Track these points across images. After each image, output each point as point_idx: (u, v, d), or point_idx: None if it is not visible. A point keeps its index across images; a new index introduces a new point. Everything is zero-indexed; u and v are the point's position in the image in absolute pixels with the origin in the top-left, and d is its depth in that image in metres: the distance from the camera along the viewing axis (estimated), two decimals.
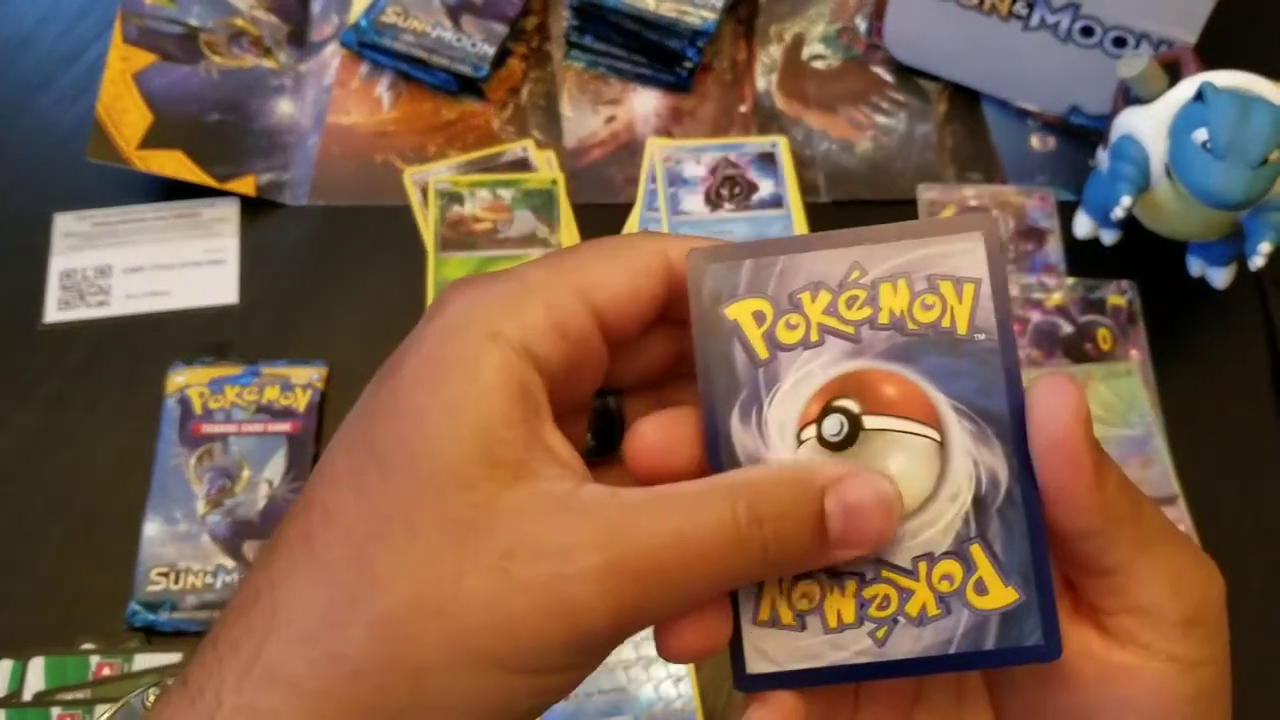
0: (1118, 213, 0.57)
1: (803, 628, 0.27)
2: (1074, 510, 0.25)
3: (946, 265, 0.27)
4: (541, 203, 0.67)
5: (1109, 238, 0.64)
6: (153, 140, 0.65)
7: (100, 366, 0.62)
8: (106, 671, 0.53)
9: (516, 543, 0.23)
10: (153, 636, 0.54)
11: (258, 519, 0.57)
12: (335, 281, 0.65)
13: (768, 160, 0.69)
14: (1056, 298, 0.64)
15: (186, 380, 0.60)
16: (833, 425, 0.27)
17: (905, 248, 0.27)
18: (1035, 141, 0.71)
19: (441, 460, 0.24)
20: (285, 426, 0.59)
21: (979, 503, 0.26)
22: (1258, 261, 0.56)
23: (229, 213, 0.67)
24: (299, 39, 0.73)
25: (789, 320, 0.27)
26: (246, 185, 0.67)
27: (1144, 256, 0.64)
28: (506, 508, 0.24)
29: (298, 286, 0.65)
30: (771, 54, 0.74)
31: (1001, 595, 0.26)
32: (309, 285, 0.65)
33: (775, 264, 0.27)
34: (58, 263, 0.65)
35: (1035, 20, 0.66)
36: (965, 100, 0.72)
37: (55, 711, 0.51)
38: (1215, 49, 0.61)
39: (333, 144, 0.70)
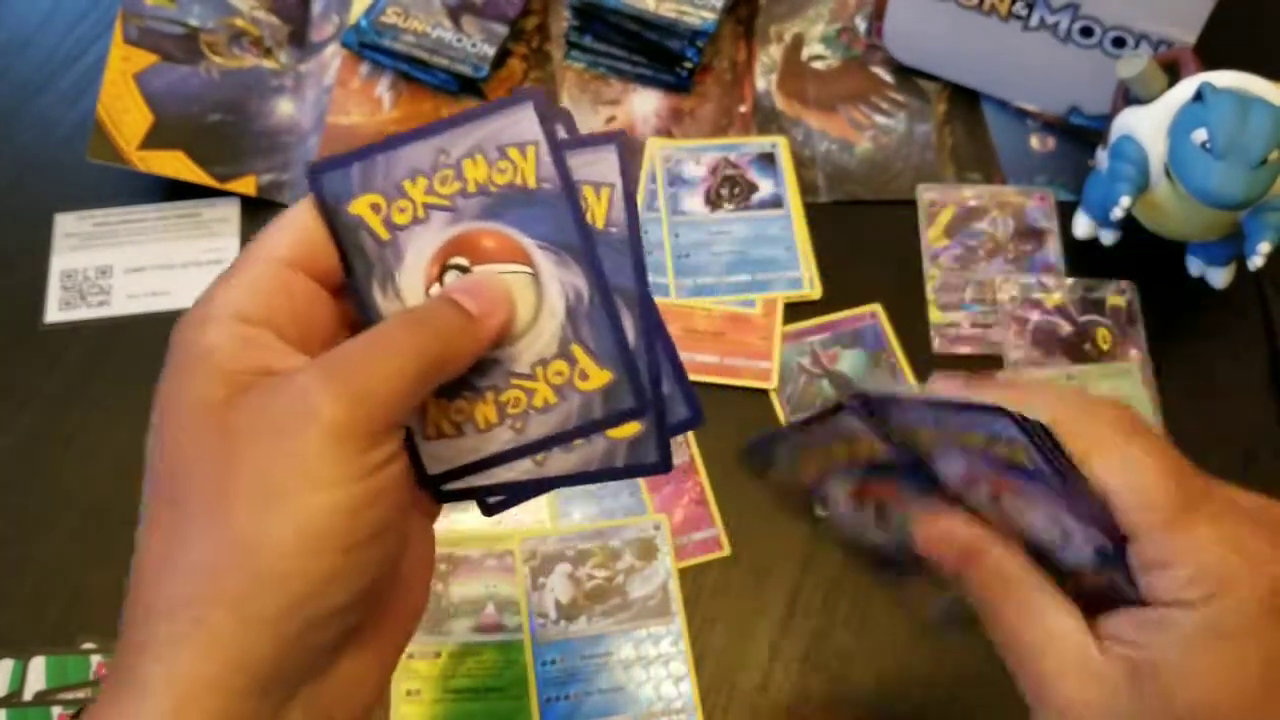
0: (1117, 213, 0.57)
1: (460, 434, 0.34)
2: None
3: (509, 135, 0.33)
4: None
5: (1108, 238, 0.64)
6: (153, 140, 0.66)
7: (101, 366, 0.62)
8: (107, 671, 0.53)
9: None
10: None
11: None
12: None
13: (767, 160, 0.69)
14: (1056, 298, 0.64)
15: None
16: (451, 279, 0.34)
17: (476, 128, 0.33)
18: (1035, 141, 0.71)
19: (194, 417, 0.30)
20: None
21: (570, 313, 0.34)
22: (1257, 261, 0.56)
23: (230, 213, 0.67)
24: (299, 39, 0.73)
25: (399, 205, 0.33)
26: (247, 185, 0.67)
27: (1143, 257, 0.64)
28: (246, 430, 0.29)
29: None
30: (771, 54, 0.74)
31: (599, 376, 0.34)
32: None
33: (378, 163, 0.33)
34: (58, 263, 0.65)
35: (1035, 20, 0.67)
36: (965, 100, 0.72)
37: (56, 711, 0.52)
38: (1214, 49, 0.61)
39: (333, 144, 0.70)
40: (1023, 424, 0.31)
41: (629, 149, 0.34)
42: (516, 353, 0.34)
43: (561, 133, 0.34)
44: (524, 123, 0.34)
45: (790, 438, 0.40)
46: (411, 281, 0.34)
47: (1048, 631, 0.33)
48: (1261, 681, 0.30)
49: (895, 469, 0.36)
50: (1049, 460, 0.32)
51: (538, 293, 0.34)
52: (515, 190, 0.34)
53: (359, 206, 0.33)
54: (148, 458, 0.31)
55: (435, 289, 0.33)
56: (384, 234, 0.33)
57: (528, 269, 0.34)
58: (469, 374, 0.34)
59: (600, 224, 0.34)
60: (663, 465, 0.34)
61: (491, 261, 0.34)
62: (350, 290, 0.33)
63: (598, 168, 0.34)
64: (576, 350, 0.34)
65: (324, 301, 0.33)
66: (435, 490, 0.34)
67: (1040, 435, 0.31)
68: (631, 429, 0.34)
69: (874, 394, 0.35)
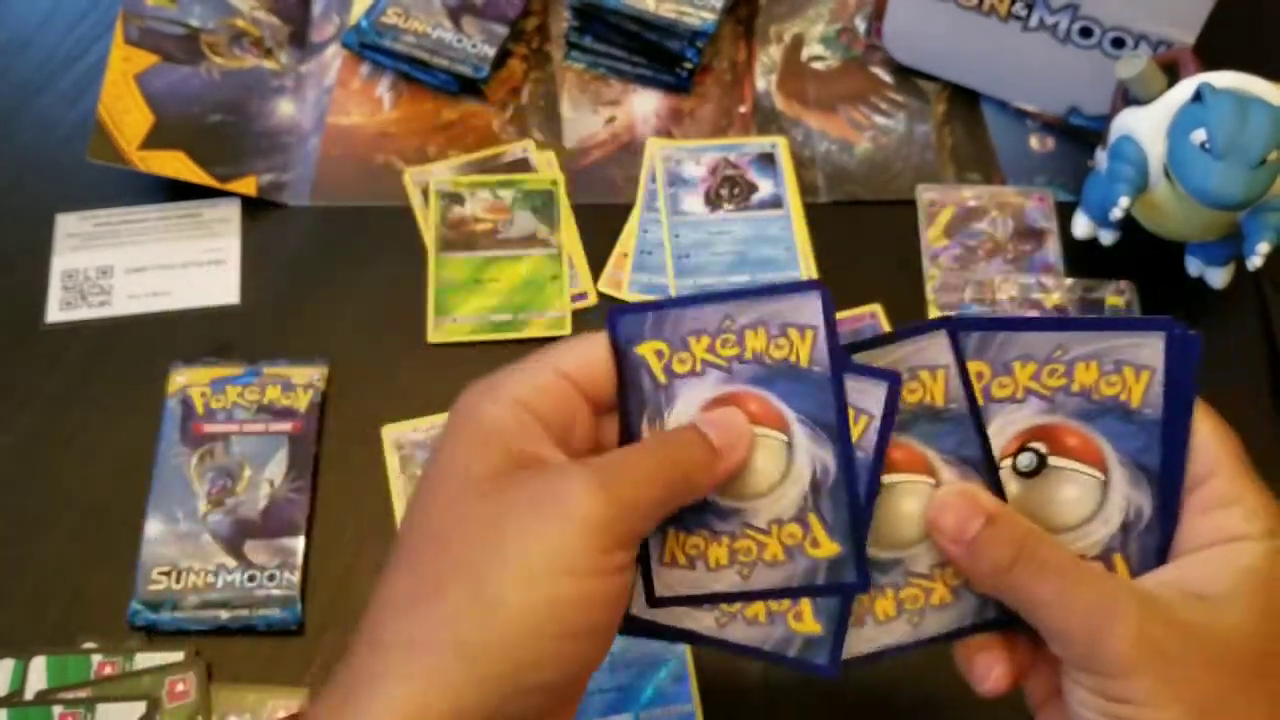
0: (1116, 213, 0.57)
1: (692, 567, 0.37)
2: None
3: (793, 316, 0.36)
4: (542, 203, 0.67)
5: (1108, 238, 0.64)
6: (154, 141, 0.66)
7: (102, 366, 0.62)
8: (108, 671, 0.53)
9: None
10: (154, 636, 0.54)
11: (259, 519, 0.57)
12: (336, 281, 0.65)
13: (767, 160, 0.69)
14: (1055, 298, 0.64)
15: (188, 380, 0.60)
16: None
17: (764, 304, 0.36)
18: (1034, 142, 0.71)
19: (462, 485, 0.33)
20: (286, 426, 0.59)
21: (815, 485, 0.36)
22: (1256, 262, 0.56)
23: (230, 213, 0.67)
24: (300, 40, 0.73)
25: (680, 357, 0.37)
26: (247, 186, 0.67)
27: (1142, 257, 0.64)
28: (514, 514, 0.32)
29: (299, 286, 0.65)
30: (771, 54, 0.74)
31: (829, 548, 0.36)
32: (310, 285, 0.65)
33: (669, 315, 0.37)
34: (59, 263, 0.65)
35: (1034, 21, 0.67)
36: (964, 101, 0.72)
37: (57, 711, 0.52)
38: (1214, 49, 0.61)
39: (333, 145, 0.70)
40: (1184, 341, 0.34)
41: (827, 294, 0.36)
42: (757, 508, 0.37)
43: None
44: (808, 309, 0.36)
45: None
46: (678, 424, 0.37)
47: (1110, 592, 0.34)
48: None
49: (942, 422, 0.37)
50: (1177, 396, 0.35)
51: (788, 459, 0.36)
52: (787, 366, 0.36)
53: (646, 349, 0.37)
54: (415, 508, 0.34)
55: None
56: (662, 378, 0.37)
57: (783, 436, 0.36)
58: (711, 518, 0.37)
59: (805, 363, 0.36)
60: (830, 669, 0.36)
61: (755, 423, 0.36)
62: (622, 417, 0.37)
63: (864, 397, 0.36)
64: (813, 519, 0.36)
65: (587, 418, 0.36)
66: (650, 600, 0.37)
67: (1186, 369, 0.35)
68: (813, 628, 0.37)
69: (977, 318, 0.37)
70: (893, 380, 0.36)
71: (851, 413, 0.36)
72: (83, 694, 0.52)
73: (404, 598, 0.32)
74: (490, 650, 0.31)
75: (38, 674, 0.53)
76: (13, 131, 0.70)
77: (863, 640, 0.37)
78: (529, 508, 0.32)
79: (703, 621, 0.37)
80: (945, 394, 0.36)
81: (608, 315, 0.37)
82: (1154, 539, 0.36)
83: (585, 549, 0.31)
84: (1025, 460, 0.36)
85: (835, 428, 0.36)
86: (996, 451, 0.36)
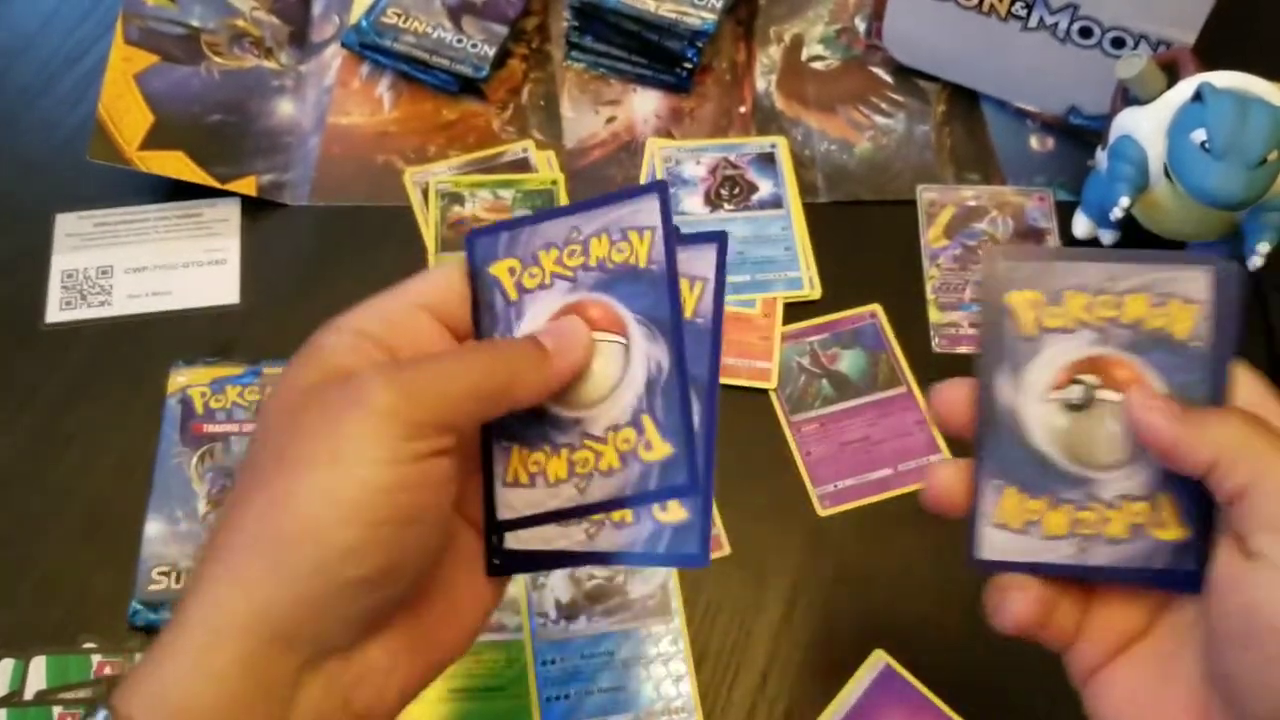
0: (1116, 213, 0.57)
1: (533, 485, 0.36)
2: (1178, 464, 0.33)
3: (633, 219, 0.37)
4: (542, 203, 0.67)
5: (1108, 238, 0.64)
6: (154, 141, 0.66)
7: (102, 366, 0.62)
8: (108, 670, 0.53)
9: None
10: (154, 636, 0.54)
11: None
12: (336, 281, 0.65)
13: (767, 160, 0.69)
14: None
15: (188, 380, 0.60)
16: None
17: (608, 211, 0.37)
18: (1034, 142, 0.71)
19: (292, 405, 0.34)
20: None
21: (649, 385, 0.36)
22: (1256, 262, 0.56)
23: (230, 213, 0.67)
24: (300, 40, 0.73)
25: (530, 271, 0.37)
26: (247, 185, 0.67)
27: None
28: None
29: (299, 286, 0.65)
30: (771, 55, 0.74)
31: (661, 449, 0.36)
32: (310, 285, 0.65)
33: (521, 233, 0.37)
34: (59, 263, 0.65)
35: (1034, 21, 0.67)
36: (964, 101, 0.72)
37: (57, 710, 0.52)
38: (1214, 49, 0.61)
39: (333, 144, 0.70)
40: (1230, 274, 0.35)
41: (665, 194, 0.37)
42: (595, 415, 0.36)
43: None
44: (647, 210, 0.37)
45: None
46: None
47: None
48: None
49: (641, 282, 0.37)
50: (1226, 322, 0.35)
51: (626, 362, 0.36)
52: (627, 268, 0.36)
53: (499, 269, 0.37)
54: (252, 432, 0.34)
55: None
56: (513, 294, 0.37)
57: (623, 340, 0.36)
58: (551, 430, 0.37)
59: (689, 313, 0.36)
60: (701, 558, 0.36)
61: (595, 328, 0.36)
62: (475, 338, 0.37)
63: (697, 263, 0.36)
64: (646, 421, 0.36)
65: (446, 342, 0.37)
66: (493, 555, 0.37)
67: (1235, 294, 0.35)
68: (679, 515, 0.36)
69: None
70: (720, 239, 0.36)
71: (686, 283, 0.36)
72: (83, 694, 0.52)
73: (224, 513, 0.33)
74: (287, 546, 0.31)
75: (38, 674, 0.53)
76: (14, 132, 0.70)
77: (533, 503, 0.37)
78: (323, 408, 0.32)
79: (574, 537, 0.36)
80: (648, 255, 0.36)
81: (465, 238, 0.38)
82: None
83: (373, 438, 0.31)
84: (1077, 392, 0.36)
85: (669, 323, 0.36)
86: (1046, 384, 0.36)
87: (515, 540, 0.37)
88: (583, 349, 0.36)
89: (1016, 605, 0.35)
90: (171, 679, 0.30)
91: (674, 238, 0.36)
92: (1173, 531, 0.35)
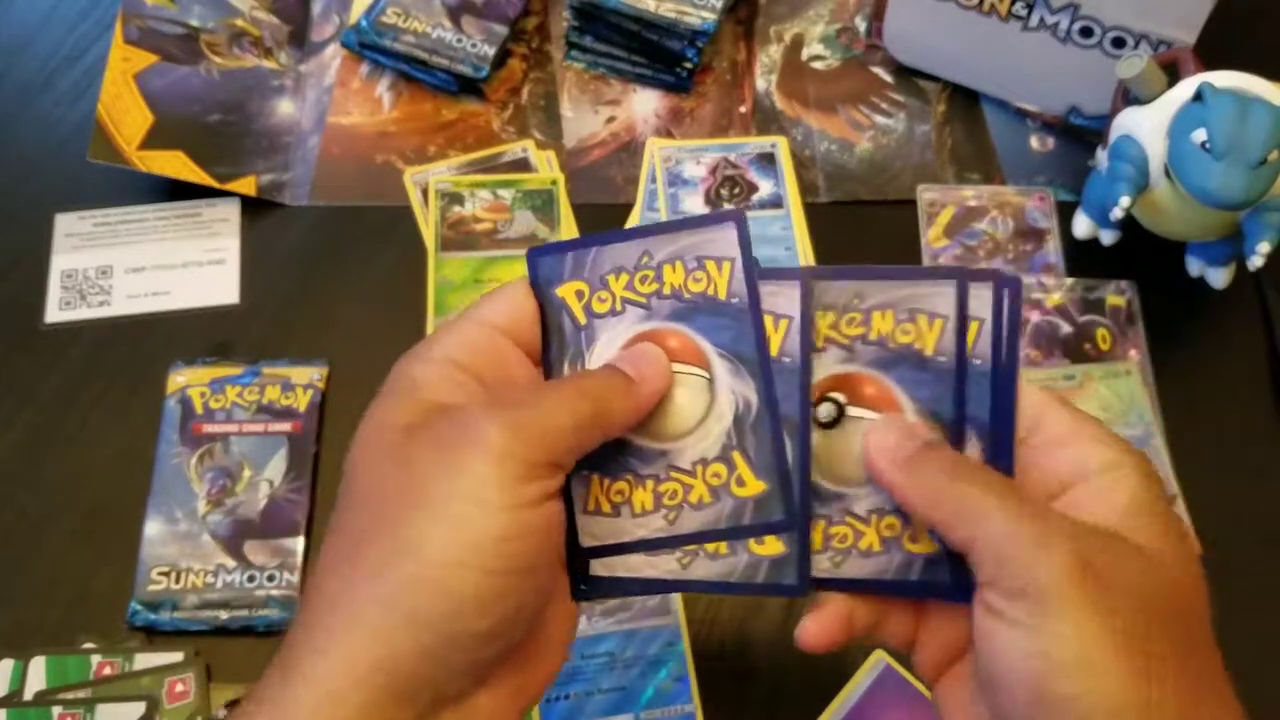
0: (1117, 213, 0.57)
1: (617, 514, 0.36)
2: (905, 509, 0.35)
3: (710, 248, 0.36)
4: (541, 203, 0.67)
5: (1108, 238, 0.64)
6: (153, 140, 0.66)
7: (101, 366, 0.62)
8: (107, 671, 0.53)
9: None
10: (153, 636, 0.54)
11: (258, 519, 0.57)
12: (336, 282, 0.65)
13: (767, 160, 0.69)
14: (1055, 298, 0.64)
15: (187, 380, 0.60)
16: None
17: (680, 237, 0.36)
18: (1034, 142, 0.71)
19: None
20: (286, 426, 0.59)
21: (737, 421, 0.36)
22: (1256, 262, 0.56)
23: (230, 213, 0.67)
24: (299, 39, 0.73)
25: (600, 296, 0.36)
26: (247, 185, 0.67)
27: (1143, 257, 0.64)
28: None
29: (298, 287, 0.65)
30: (771, 54, 0.74)
31: (754, 486, 0.36)
32: (309, 285, 0.65)
33: (587, 254, 0.36)
34: (59, 262, 0.65)
35: (1034, 21, 0.67)
36: (964, 100, 0.72)
37: (56, 711, 0.52)
38: (1214, 49, 0.61)
39: (333, 144, 0.70)
40: (1002, 284, 0.34)
41: (743, 224, 0.36)
42: (681, 448, 0.36)
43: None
44: (725, 240, 0.36)
45: None
46: (599, 364, 0.36)
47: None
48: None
49: (722, 315, 0.37)
50: (1003, 331, 0.34)
51: (710, 396, 0.36)
52: (705, 299, 0.36)
53: (565, 291, 0.37)
54: (345, 468, 0.33)
55: None
56: (582, 319, 0.36)
57: (705, 373, 0.36)
58: (634, 461, 0.36)
59: (774, 351, 0.35)
60: (799, 588, 0.35)
61: (675, 359, 0.36)
62: (544, 362, 0.37)
63: (779, 300, 0.36)
64: (737, 457, 0.36)
65: (527, 367, 0.36)
66: (578, 581, 0.36)
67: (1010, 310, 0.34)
68: (776, 549, 0.36)
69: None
70: (802, 277, 0.35)
71: (770, 319, 0.35)
72: (82, 694, 0.52)
73: (331, 559, 0.32)
74: (408, 594, 0.30)
75: (37, 674, 0.52)
76: (13, 131, 0.70)
77: (619, 531, 0.36)
78: (436, 449, 0.31)
79: (665, 566, 0.36)
80: (728, 288, 0.36)
81: (527, 256, 0.37)
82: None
83: (497, 480, 0.30)
84: (825, 411, 0.36)
85: (755, 360, 0.35)
86: (797, 402, 0.36)
87: (602, 567, 0.36)
88: (664, 377, 0.36)
89: (810, 626, 0.35)
90: None
91: (755, 271, 0.35)
92: (924, 545, 0.35)
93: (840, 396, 0.36)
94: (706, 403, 0.36)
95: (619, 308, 0.36)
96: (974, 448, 0.35)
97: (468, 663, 0.31)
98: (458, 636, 0.30)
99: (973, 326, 0.35)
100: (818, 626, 0.35)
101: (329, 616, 0.30)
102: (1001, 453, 0.34)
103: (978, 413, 0.35)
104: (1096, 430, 0.34)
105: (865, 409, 0.35)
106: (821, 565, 0.36)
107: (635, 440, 0.36)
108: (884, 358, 0.35)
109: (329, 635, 0.30)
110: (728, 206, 0.67)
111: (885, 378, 0.35)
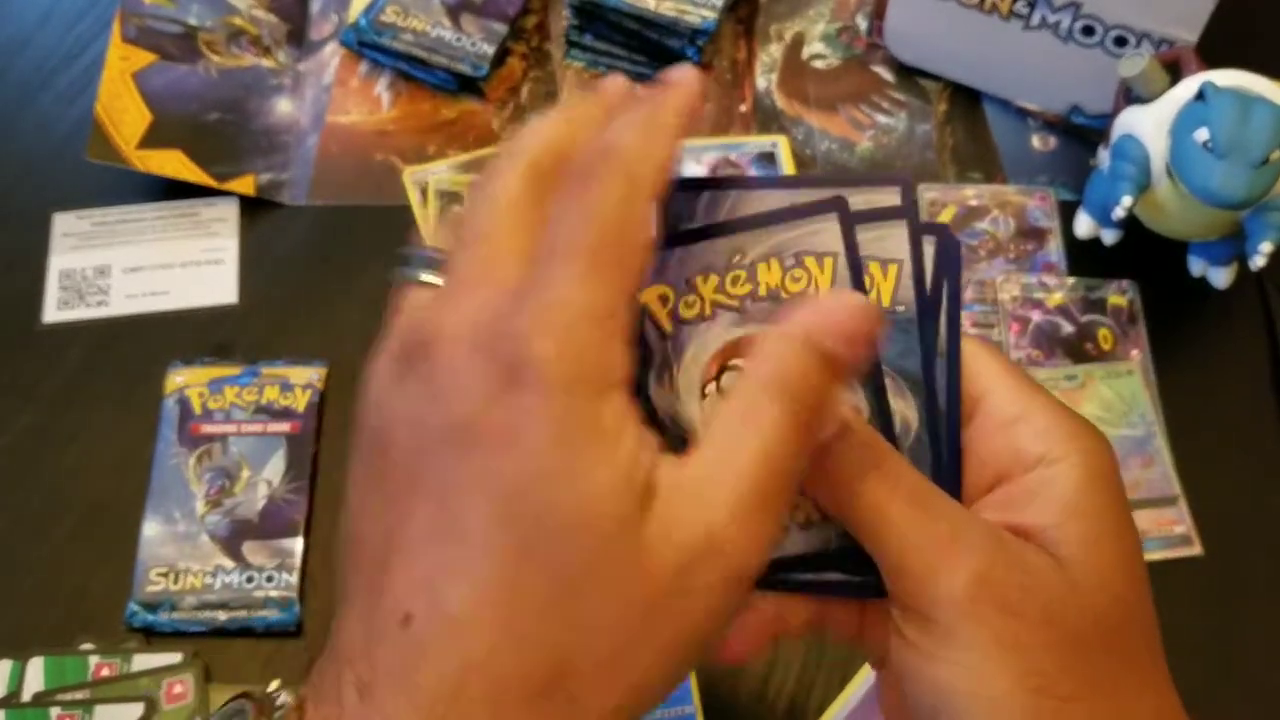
0: (1118, 212, 0.57)
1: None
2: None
3: (809, 244, 0.31)
4: None
5: (1110, 237, 0.64)
6: (152, 140, 0.65)
7: (99, 366, 0.62)
8: (105, 672, 0.53)
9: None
10: (152, 637, 0.54)
11: (257, 519, 0.56)
12: (335, 281, 0.65)
13: (768, 160, 0.69)
14: (1057, 297, 0.64)
15: (186, 380, 0.60)
16: (729, 381, 0.31)
17: (775, 231, 0.32)
18: (1036, 141, 0.71)
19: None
20: (285, 427, 0.59)
21: (893, 442, 0.30)
22: (1258, 261, 0.56)
23: (228, 212, 0.67)
24: (298, 38, 0.73)
25: (686, 300, 0.32)
26: (246, 185, 0.67)
27: (1145, 256, 0.64)
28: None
29: (297, 286, 0.65)
30: (771, 53, 0.74)
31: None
32: (308, 285, 0.65)
33: (671, 255, 0.32)
34: (57, 262, 0.65)
35: (1036, 19, 0.66)
36: (966, 100, 0.72)
37: (54, 712, 0.51)
38: (1216, 48, 0.61)
39: (332, 143, 0.69)
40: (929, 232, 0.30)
41: (846, 213, 0.31)
42: None
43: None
44: (826, 233, 0.32)
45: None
46: (689, 378, 0.32)
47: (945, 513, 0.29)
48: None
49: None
50: (932, 293, 0.30)
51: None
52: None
53: (648, 296, 0.32)
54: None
55: (712, 388, 0.31)
56: (668, 326, 0.32)
57: None
58: None
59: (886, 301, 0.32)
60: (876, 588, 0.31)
61: None
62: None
63: (816, 239, 0.32)
64: None
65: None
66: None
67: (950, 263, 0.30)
68: None
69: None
70: (944, 231, 0.30)
71: (814, 259, 0.31)
72: (80, 695, 0.52)
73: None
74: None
75: (35, 675, 0.52)
76: (11, 131, 0.70)
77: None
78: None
79: (829, 577, 0.32)
80: (832, 285, 0.32)
81: None
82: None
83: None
84: (729, 381, 0.31)
85: (924, 379, 0.31)
86: (698, 379, 0.32)
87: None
88: (856, 309, 0.29)
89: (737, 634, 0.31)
90: None
91: (863, 268, 0.31)
92: None
93: (742, 363, 0.31)
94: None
95: (708, 312, 0.32)
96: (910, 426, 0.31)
97: None
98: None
99: (827, 262, 0.31)
100: (736, 633, 0.30)
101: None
102: (946, 435, 0.31)
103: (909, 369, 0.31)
104: (1047, 410, 0.29)
105: None
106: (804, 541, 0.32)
107: None
108: (777, 311, 0.31)
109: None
110: None
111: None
